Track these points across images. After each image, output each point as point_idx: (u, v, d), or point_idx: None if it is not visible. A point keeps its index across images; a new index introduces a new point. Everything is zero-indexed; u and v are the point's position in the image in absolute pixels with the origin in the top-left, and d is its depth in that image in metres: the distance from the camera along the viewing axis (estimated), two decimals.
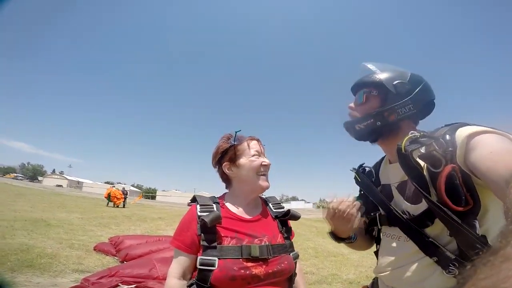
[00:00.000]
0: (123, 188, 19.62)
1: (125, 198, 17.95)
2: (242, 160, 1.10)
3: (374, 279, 1.13)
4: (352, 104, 1.07)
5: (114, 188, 18.74)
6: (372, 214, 1.06)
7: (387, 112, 0.96)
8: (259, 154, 1.13)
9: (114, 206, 16.72)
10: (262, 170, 1.11)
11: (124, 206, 17.46)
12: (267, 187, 1.12)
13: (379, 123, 0.96)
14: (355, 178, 1.15)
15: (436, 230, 0.85)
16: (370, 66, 1.03)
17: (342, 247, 7.96)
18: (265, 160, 1.12)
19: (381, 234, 1.07)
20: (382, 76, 0.98)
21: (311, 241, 8.94)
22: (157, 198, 72.03)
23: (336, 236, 1.09)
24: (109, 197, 17.13)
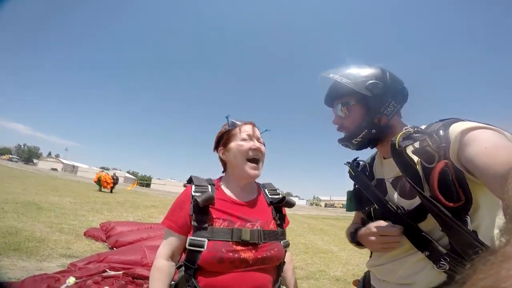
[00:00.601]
0: (114, 174, 19.83)
1: (114, 184, 18.37)
2: (232, 144, 1.09)
3: (365, 273, 1.14)
4: (334, 120, 1.06)
5: (104, 172, 19.07)
6: (366, 208, 1.06)
7: (376, 118, 0.96)
8: (251, 138, 1.10)
9: (101, 190, 17.16)
10: (251, 154, 1.07)
11: (111, 191, 17.81)
12: (255, 176, 1.09)
13: (374, 130, 0.97)
14: (349, 172, 1.14)
15: (429, 225, 0.85)
16: (333, 76, 1.00)
17: (332, 245, 8.13)
18: (255, 144, 1.09)
19: None
20: (352, 83, 0.96)
21: (302, 237, 9.01)
22: (152, 186, 72.04)
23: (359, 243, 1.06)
24: (99, 181, 17.47)
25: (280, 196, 1.16)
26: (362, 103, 0.97)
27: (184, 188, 1.09)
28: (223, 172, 1.19)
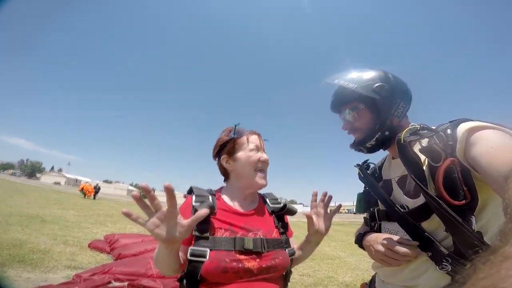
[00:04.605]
0: (97, 184, 25.69)
1: (96, 192, 23.30)
2: (240, 154, 1.08)
3: (373, 275, 1.13)
4: (344, 125, 1.06)
5: (87, 183, 24.83)
6: (371, 209, 1.06)
7: (388, 119, 0.96)
8: (258, 149, 1.10)
9: (84, 197, 21.25)
10: (260, 166, 1.08)
11: (94, 198, 22.29)
12: (264, 185, 1.08)
13: (388, 132, 0.96)
14: (358, 174, 1.14)
15: (433, 225, 0.84)
16: (338, 81, 1.00)
17: (339, 250, 8.00)
18: (263, 156, 1.09)
19: (381, 229, 1.05)
20: (358, 87, 0.95)
21: None
22: None
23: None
24: (82, 191, 22.05)
25: (281, 204, 1.14)
26: (371, 106, 0.97)
27: (185, 199, 1.07)
28: (224, 181, 1.17)
